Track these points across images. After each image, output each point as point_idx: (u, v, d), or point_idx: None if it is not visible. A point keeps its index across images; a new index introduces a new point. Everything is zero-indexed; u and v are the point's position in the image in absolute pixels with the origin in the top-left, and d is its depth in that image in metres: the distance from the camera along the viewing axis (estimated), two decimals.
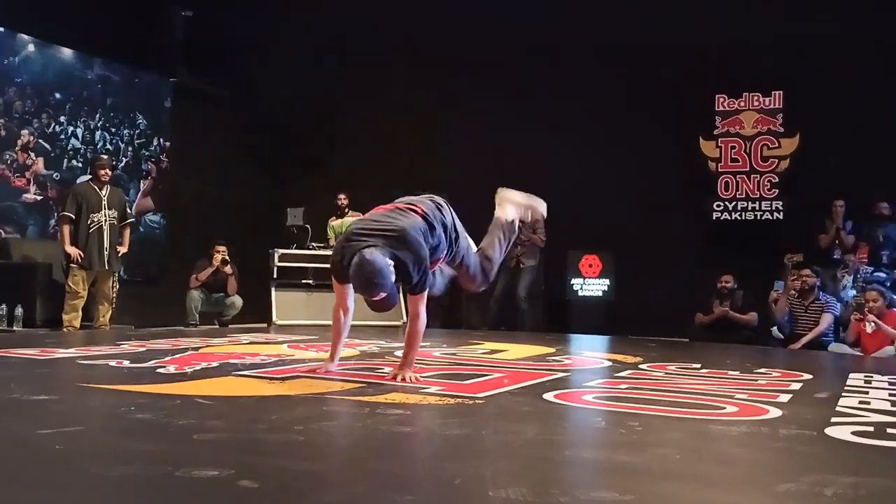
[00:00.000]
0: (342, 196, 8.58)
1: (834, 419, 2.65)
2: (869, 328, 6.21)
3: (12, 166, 7.91)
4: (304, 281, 8.17)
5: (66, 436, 2.14)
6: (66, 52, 8.54)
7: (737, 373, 4.05)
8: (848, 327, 6.63)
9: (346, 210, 8.59)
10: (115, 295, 6.93)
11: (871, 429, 2.51)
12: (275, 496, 1.61)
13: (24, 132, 8.02)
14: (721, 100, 8.94)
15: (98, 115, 8.79)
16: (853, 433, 2.41)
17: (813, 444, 2.29)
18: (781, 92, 8.71)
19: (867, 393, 3.42)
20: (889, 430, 2.48)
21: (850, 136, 7.97)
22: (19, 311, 6.69)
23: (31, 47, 8.16)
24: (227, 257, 7.84)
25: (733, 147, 8.89)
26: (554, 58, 9.23)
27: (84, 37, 8.51)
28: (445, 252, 3.65)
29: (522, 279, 8.11)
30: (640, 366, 4.31)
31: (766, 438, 2.35)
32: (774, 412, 2.76)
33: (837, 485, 1.76)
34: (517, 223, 4.17)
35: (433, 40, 9.62)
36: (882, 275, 7.18)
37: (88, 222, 6.70)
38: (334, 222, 8.58)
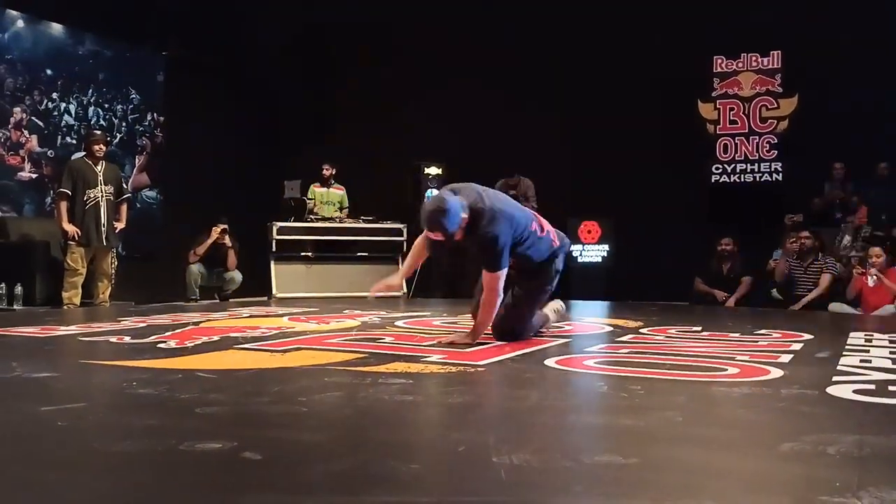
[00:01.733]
0: (327, 167, 8.51)
1: (835, 378, 2.65)
2: (871, 281, 6.23)
3: (6, 145, 7.86)
4: (303, 253, 8.16)
5: (69, 412, 2.14)
6: (57, 28, 8.44)
7: (738, 335, 4.06)
8: (848, 286, 6.64)
9: (332, 182, 8.53)
10: (114, 271, 6.91)
11: (872, 387, 2.52)
12: (278, 467, 1.61)
13: (17, 110, 7.96)
14: (718, 61, 8.86)
15: (90, 91, 8.71)
16: (854, 392, 2.41)
17: (815, 403, 2.29)
18: (780, 52, 8.63)
19: (868, 351, 3.43)
20: (891, 388, 2.48)
21: (848, 95, 7.91)
22: (19, 289, 6.68)
23: (20, 23, 8.07)
24: (226, 227, 7.82)
25: (731, 109, 8.84)
26: (550, 24, 9.12)
27: (74, 11, 8.40)
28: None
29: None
30: (641, 330, 4.32)
31: (767, 399, 2.36)
32: (776, 373, 2.77)
33: (840, 443, 1.76)
34: None
35: (428, 14, 9.51)
36: (881, 234, 7.18)
37: (85, 199, 6.67)
38: (318, 189, 8.52)
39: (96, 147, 6.81)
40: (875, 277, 6.22)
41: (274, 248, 7.99)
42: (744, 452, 1.80)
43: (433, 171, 8.77)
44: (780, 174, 8.63)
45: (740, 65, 8.80)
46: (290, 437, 1.92)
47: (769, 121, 8.72)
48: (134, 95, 9.19)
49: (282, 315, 5.24)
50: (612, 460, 1.67)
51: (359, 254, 8.31)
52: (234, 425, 2.04)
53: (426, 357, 3.11)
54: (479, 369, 2.88)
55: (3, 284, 6.68)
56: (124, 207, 7.04)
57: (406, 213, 8.89)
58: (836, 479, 1.50)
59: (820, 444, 1.75)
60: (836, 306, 6.55)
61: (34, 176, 8.09)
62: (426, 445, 1.90)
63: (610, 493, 1.50)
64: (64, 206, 6.64)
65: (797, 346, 3.54)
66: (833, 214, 7.83)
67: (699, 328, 4.35)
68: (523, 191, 7.97)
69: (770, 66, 8.70)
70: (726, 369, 2.85)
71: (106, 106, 8.89)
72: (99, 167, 6.79)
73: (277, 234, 8.01)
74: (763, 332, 4.19)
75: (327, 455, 1.79)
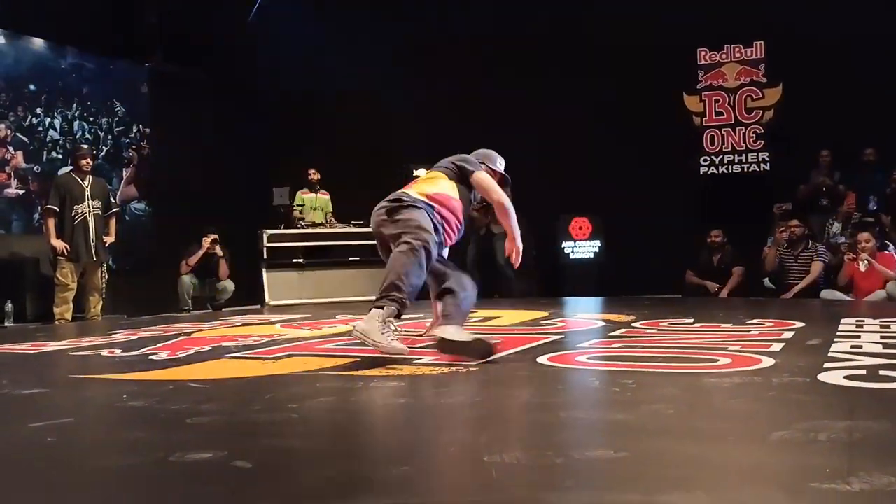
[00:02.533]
0: (312, 171, 8.52)
1: (826, 365, 2.66)
2: (862, 266, 6.26)
3: None
4: (294, 260, 8.14)
5: (59, 428, 2.13)
6: (38, 43, 8.41)
7: (729, 325, 4.06)
8: (840, 272, 6.65)
9: (318, 187, 8.53)
10: (104, 285, 6.89)
11: (863, 372, 2.52)
12: (268, 476, 1.60)
13: (1, 126, 7.92)
14: (702, 53, 8.89)
15: (75, 105, 8.68)
16: (846, 377, 2.42)
17: (806, 391, 2.29)
18: (762, 42, 8.66)
19: (859, 337, 3.43)
20: (881, 373, 2.49)
21: (833, 82, 7.93)
22: (10, 306, 6.66)
23: (1, 39, 8.03)
24: (216, 237, 7.82)
25: (717, 100, 8.87)
26: (534, 20, 9.13)
27: (55, 26, 8.37)
28: None
29: (498, 248, 8.07)
30: (633, 324, 4.32)
31: (759, 388, 2.36)
32: (767, 361, 2.77)
33: (831, 429, 1.76)
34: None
35: (415, 15, 9.51)
36: (870, 220, 7.21)
37: (73, 214, 6.64)
38: (306, 195, 8.52)
39: (83, 162, 6.79)
40: (866, 262, 6.25)
41: (265, 256, 7.97)
42: (735, 443, 1.80)
43: (423, 172, 8.74)
44: (768, 164, 8.66)
45: (724, 56, 8.83)
46: (280, 445, 1.91)
47: (755, 111, 8.74)
48: (119, 108, 9.16)
49: (274, 322, 5.23)
50: (603, 455, 1.67)
51: (350, 258, 8.29)
52: (225, 435, 2.03)
53: (418, 359, 3.10)
54: (472, 369, 2.88)
55: None
56: (113, 221, 7.01)
57: None
58: (826, 466, 1.49)
59: (811, 432, 1.75)
60: (827, 293, 6.57)
61: (21, 192, 8.06)
62: (417, 447, 1.89)
63: (601, 487, 1.49)
64: (52, 222, 6.61)
65: (789, 335, 3.55)
66: (819, 201, 7.85)
67: (691, 320, 4.36)
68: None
69: (753, 57, 8.73)
70: (718, 360, 2.86)
71: (91, 119, 8.86)
72: (86, 182, 6.76)
73: (268, 242, 7.98)
74: (755, 321, 4.20)
75: (318, 461, 1.78)
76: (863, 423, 1.84)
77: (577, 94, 8.80)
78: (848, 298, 6.37)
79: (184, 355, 3.55)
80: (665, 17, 8.48)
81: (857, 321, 4.11)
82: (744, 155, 8.76)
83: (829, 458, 1.58)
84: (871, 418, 1.90)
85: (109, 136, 9.05)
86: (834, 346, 3.11)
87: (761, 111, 8.72)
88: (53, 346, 4.23)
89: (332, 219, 8.47)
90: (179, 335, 4.49)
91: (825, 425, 1.80)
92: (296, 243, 8.17)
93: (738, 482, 1.50)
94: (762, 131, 8.69)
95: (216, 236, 7.84)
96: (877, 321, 4.06)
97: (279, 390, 2.68)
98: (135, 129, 9.33)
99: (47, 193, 6.87)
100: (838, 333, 3.57)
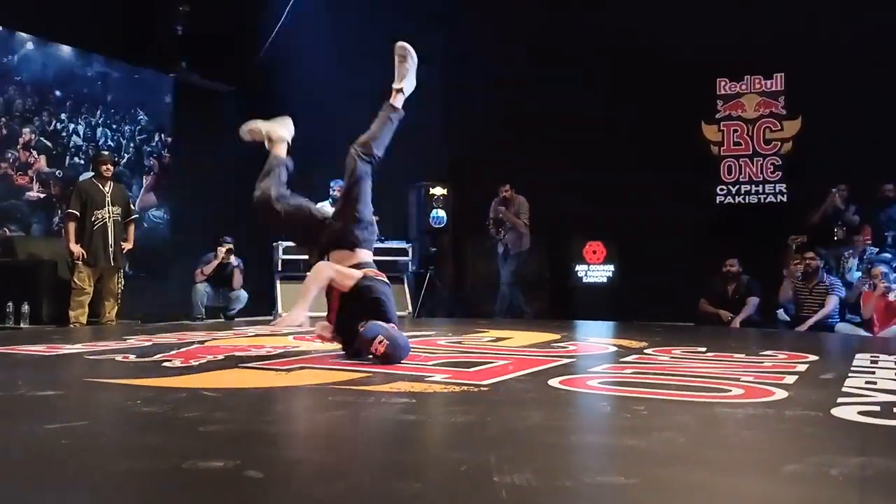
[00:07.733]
0: (335, 186, 8.57)
1: (840, 399, 2.64)
2: (893, 296, 6.23)
3: (15, 165, 7.93)
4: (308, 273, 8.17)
5: (73, 431, 2.15)
6: (65, 50, 8.54)
7: (742, 355, 4.04)
8: (862, 304, 6.59)
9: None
10: (120, 291, 6.95)
11: (877, 408, 2.50)
12: (280, 486, 1.61)
13: (26, 130, 8.04)
14: (722, 83, 8.91)
15: (99, 112, 8.80)
16: (860, 413, 2.40)
17: (819, 424, 2.28)
18: (783, 74, 8.67)
19: (874, 373, 3.41)
20: None
21: (853, 116, 7.93)
22: (26, 308, 6.72)
23: (29, 45, 8.17)
24: (231, 247, 7.88)
25: (735, 131, 8.87)
26: (555, 44, 9.18)
27: (83, 34, 8.51)
28: None
29: (507, 266, 8.15)
30: (646, 350, 4.30)
31: (771, 420, 2.35)
32: (780, 394, 2.76)
33: (844, 465, 1.75)
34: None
35: (432, 33, 9.58)
36: (887, 255, 7.17)
37: (92, 219, 6.72)
38: (328, 208, 8.57)
39: (104, 168, 6.88)
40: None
41: (279, 268, 8.01)
42: (746, 473, 1.80)
43: (438, 191, 8.80)
44: (785, 195, 8.64)
45: (744, 87, 8.85)
46: (292, 456, 1.93)
47: (773, 142, 8.74)
48: (142, 116, 9.27)
49: (287, 334, 5.24)
50: (613, 480, 1.66)
51: None
52: (238, 444, 2.04)
53: (430, 377, 3.11)
54: (483, 389, 2.88)
55: (10, 303, 6.72)
56: (132, 228, 7.09)
57: (406, 231, 8.92)
58: (838, 501, 1.49)
59: (823, 466, 1.74)
60: (842, 327, 6.53)
61: (42, 196, 8.16)
62: (428, 465, 1.89)
63: None
64: (72, 226, 6.70)
65: (802, 368, 3.53)
66: (834, 233, 7.78)
67: (704, 349, 4.34)
68: (515, 209, 8.08)
69: (773, 89, 8.74)
70: (730, 390, 2.85)
71: (114, 127, 8.97)
72: (107, 188, 6.85)
73: (283, 254, 8.03)
74: (768, 353, 4.17)
75: (329, 474, 1.79)
76: (876, 459, 1.83)
77: (595, 118, 8.82)
78: (864, 333, 6.32)
79: (197, 363, 3.57)
80: (686, 47, 8.51)
81: (871, 356, 4.08)
82: (761, 186, 8.75)
83: (841, 493, 1.57)
84: (885, 455, 1.89)
85: (132, 144, 9.16)
86: (848, 381, 3.09)
87: (779, 143, 8.72)
88: (68, 348, 4.27)
89: None
90: (193, 343, 4.52)
91: (837, 460, 1.79)
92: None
93: None
94: (780, 163, 8.68)
95: (231, 246, 7.90)
96: (892, 357, 4.03)
97: (291, 402, 2.70)
98: (157, 138, 9.44)
99: (68, 198, 6.97)
100: (853, 368, 3.54)
